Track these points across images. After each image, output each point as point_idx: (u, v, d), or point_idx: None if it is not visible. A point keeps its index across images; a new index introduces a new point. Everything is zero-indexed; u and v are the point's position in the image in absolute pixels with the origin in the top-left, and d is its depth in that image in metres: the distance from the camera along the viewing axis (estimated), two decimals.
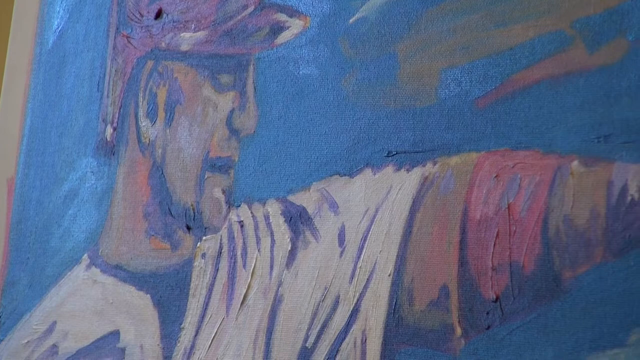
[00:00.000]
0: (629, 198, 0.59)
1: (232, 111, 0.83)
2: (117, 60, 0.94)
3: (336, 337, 0.71)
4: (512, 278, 0.64)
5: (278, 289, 0.76)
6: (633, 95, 0.60)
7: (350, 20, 0.77)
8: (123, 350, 0.86)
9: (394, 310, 0.69)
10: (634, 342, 0.58)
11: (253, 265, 0.78)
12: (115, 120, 0.93)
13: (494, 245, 0.65)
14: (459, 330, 0.66)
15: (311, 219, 0.75)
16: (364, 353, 0.69)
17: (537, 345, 0.63)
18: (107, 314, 0.88)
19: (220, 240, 0.81)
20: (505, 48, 0.67)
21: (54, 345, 0.92)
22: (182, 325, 0.82)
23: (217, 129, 0.84)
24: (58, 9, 1.04)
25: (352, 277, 0.72)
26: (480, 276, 0.66)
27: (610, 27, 0.62)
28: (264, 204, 0.79)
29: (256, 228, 0.79)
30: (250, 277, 0.78)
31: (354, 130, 0.74)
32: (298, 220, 0.76)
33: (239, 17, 0.85)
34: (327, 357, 0.71)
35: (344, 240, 0.73)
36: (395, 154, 0.72)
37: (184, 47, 0.88)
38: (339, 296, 0.72)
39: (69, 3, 1.02)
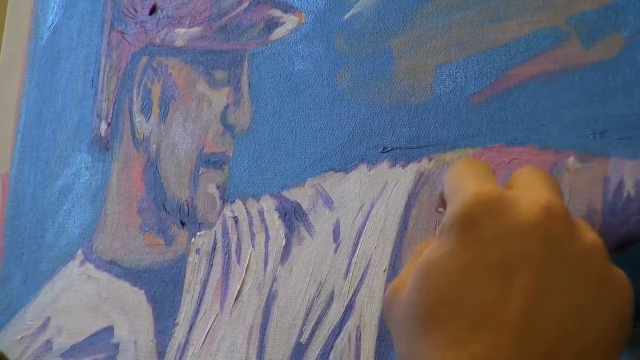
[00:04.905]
0: (625, 194, 0.59)
1: (226, 107, 0.83)
2: (111, 56, 0.94)
3: (330, 333, 0.71)
4: None
5: (272, 284, 0.76)
6: (628, 91, 0.60)
7: (345, 16, 0.76)
8: (117, 345, 0.85)
9: None
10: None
11: (247, 261, 0.78)
12: (110, 116, 0.93)
13: None
14: None
15: (306, 214, 0.75)
16: (358, 349, 0.69)
17: None
18: (101, 309, 0.88)
19: (215, 236, 0.81)
20: (500, 44, 0.67)
21: (48, 341, 0.92)
22: (176, 321, 0.82)
23: (211, 125, 0.83)
24: (52, 4, 1.04)
25: (346, 273, 0.71)
26: None
27: (606, 23, 0.62)
28: (259, 199, 0.79)
29: (250, 224, 0.79)
30: (244, 272, 0.78)
31: (349, 126, 0.74)
32: (293, 216, 0.76)
33: (234, 13, 0.84)
34: (321, 353, 0.71)
35: (339, 236, 0.73)
36: (390, 150, 0.71)
37: (179, 43, 0.88)
38: (334, 292, 0.72)
39: None
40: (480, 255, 0.47)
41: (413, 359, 0.48)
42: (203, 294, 0.80)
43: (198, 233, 0.82)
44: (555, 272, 0.47)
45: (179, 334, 0.81)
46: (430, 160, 0.69)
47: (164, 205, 0.85)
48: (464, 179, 0.51)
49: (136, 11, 0.93)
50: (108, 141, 0.92)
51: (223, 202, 0.81)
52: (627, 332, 0.49)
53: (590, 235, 0.49)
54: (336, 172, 0.74)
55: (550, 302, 0.47)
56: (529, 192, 0.50)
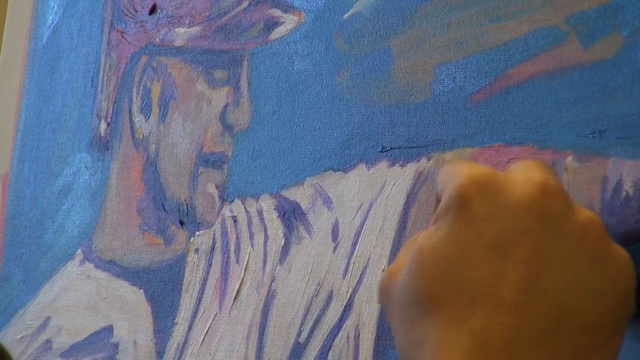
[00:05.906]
0: (624, 194, 0.59)
1: (225, 106, 0.83)
2: (111, 55, 0.94)
3: (329, 333, 0.71)
4: None
5: (271, 284, 0.76)
6: (627, 90, 0.60)
7: (345, 16, 0.76)
8: (116, 345, 0.85)
9: None
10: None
11: (246, 260, 0.78)
12: (109, 115, 0.93)
13: None
14: None
15: (305, 214, 0.75)
16: (357, 348, 0.69)
17: None
18: (100, 309, 0.88)
19: (214, 235, 0.81)
20: (500, 43, 0.67)
21: (48, 341, 0.92)
22: (175, 321, 0.82)
23: (210, 125, 0.83)
24: (52, 4, 1.04)
25: (345, 272, 0.71)
26: None
27: (605, 22, 0.62)
28: (258, 199, 0.79)
29: (249, 223, 0.79)
30: (243, 272, 0.78)
31: (348, 125, 0.74)
32: (291, 215, 0.76)
33: (234, 13, 0.84)
34: (320, 353, 0.71)
35: (338, 236, 0.73)
36: (389, 150, 0.71)
37: (178, 43, 0.88)
38: (332, 291, 0.72)
39: None
40: (476, 235, 0.47)
41: (413, 342, 0.48)
42: (202, 293, 0.80)
43: (197, 232, 0.82)
44: (551, 247, 0.47)
45: (178, 333, 0.81)
46: (429, 159, 0.69)
47: (163, 204, 0.85)
48: (455, 168, 0.51)
49: (136, 11, 0.93)
50: (108, 141, 0.92)
51: (222, 202, 0.81)
52: (629, 309, 0.49)
53: (587, 212, 0.49)
54: (335, 171, 0.74)
55: (547, 277, 0.46)
56: (524, 173, 0.50)
